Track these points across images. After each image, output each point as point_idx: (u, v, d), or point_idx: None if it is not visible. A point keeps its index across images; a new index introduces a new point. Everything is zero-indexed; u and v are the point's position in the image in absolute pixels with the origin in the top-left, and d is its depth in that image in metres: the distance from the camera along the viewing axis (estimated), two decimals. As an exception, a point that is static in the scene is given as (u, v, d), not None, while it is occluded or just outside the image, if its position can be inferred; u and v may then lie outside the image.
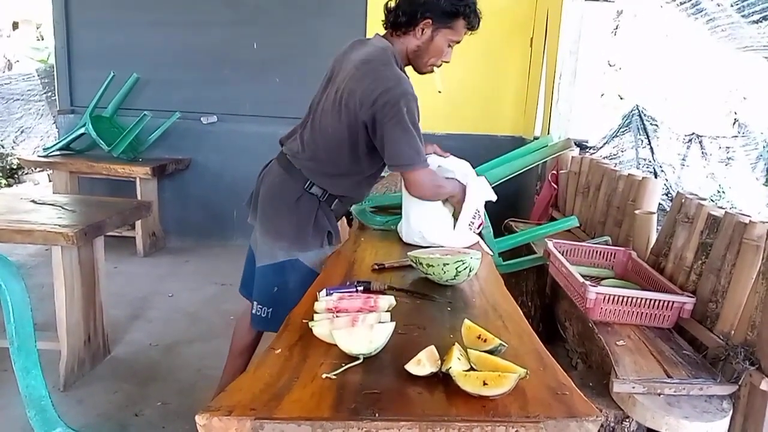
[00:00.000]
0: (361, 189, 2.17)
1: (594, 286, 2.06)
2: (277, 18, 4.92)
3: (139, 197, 4.62)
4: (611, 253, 2.56)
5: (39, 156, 4.98)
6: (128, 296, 3.74)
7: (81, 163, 4.66)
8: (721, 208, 2.19)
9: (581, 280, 2.13)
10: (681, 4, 4.70)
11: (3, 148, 7.10)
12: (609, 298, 2.06)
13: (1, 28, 10.11)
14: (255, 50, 4.99)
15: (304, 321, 1.37)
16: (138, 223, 4.56)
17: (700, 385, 1.74)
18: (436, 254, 1.81)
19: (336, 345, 1.22)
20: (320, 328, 1.29)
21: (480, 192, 2.14)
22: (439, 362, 1.16)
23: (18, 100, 7.36)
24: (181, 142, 5.10)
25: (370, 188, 2.28)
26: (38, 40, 10.01)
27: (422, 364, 1.14)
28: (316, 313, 1.40)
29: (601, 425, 1.69)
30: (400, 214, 2.24)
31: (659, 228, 2.52)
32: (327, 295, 1.50)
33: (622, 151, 5.22)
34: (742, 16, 4.16)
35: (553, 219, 3.70)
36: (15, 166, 7.09)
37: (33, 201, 2.86)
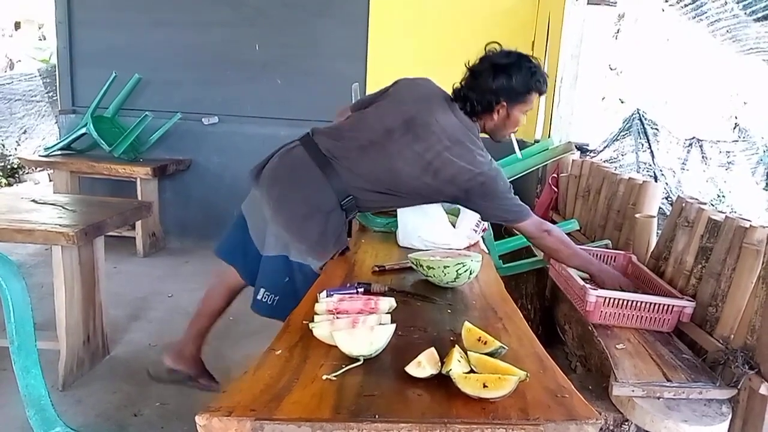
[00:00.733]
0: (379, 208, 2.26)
1: (594, 289, 2.06)
2: (278, 19, 4.92)
3: (139, 197, 4.61)
4: (611, 257, 2.56)
5: (40, 156, 4.98)
6: (128, 296, 3.74)
7: (82, 163, 4.66)
8: (721, 212, 2.19)
9: (581, 283, 2.14)
10: (683, 7, 4.70)
11: (3, 147, 7.10)
12: (609, 302, 2.06)
13: (3, 28, 10.12)
14: (256, 51, 4.99)
15: (304, 322, 1.37)
16: (138, 224, 4.55)
17: (699, 389, 1.74)
18: (437, 256, 1.82)
19: (336, 346, 1.22)
20: (320, 329, 1.29)
21: None
22: (440, 364, 1.16)
23: (19, 100, 7.36)
24: (182, 143, 5.10)
25: None
26: (40, 39, 10.02)
27: (422, 366, 1.14)
28: (317, 314, 1.40)
29: (601, 428, 1.70)
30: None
31: (659, 232, 2.52)
32: (327, 296, 1.50)
33: (623, 155, 5.22)
34: (747, 14, 4.14)
35: (553, 222, 3.70)
36: (16, 166, 7.09)
37: (34, 200, 2.86)
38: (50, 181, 6.54)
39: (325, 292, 1.54)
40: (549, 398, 1.11)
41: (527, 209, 2.00)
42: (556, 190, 3.80)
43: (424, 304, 1.62)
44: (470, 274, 1.74)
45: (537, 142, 4.18)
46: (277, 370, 1.16)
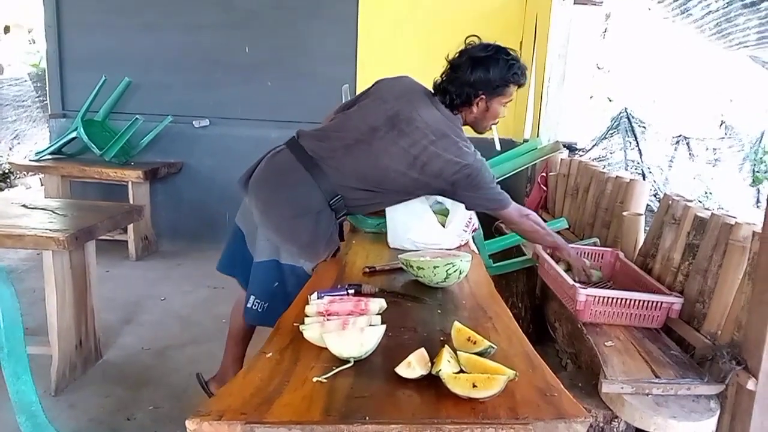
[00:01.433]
0: (367, 209, 2.24)
1: (584, 288, 2.08)
2: (268, 21, 4.92)
3: (131, 201, 4.60)
4: (599, 254, 2.58)
5: (30, 160, 4.95)
6: (120, 300, 3.73)
7: (73, 167, 4.64)
8: (707, 209, 2.21)
9: (571, 282, 2.15)
10: (669, 4, 4.73)
11: (-6, 152, 7.07)
12: (599, 300, 2.08)
13: (-8, 32, 10.03)
14: (246, 53, 4.99)
15: (294, 324, 1.38)
16: (130, 227, 4.54)
17: (687, 385, 1.76)
18: (427, 257, 1.82)
19: (327, 348, 1.23)
20: (311, 331, 1.30)
21: None
22: (429, 365, 1.17)
23: (9, 104, 7.31)
24: (173, 146, 5.08)
25: None
26: (30, 43, 9.95)
27: (412, 366, 1.15)
28: (307, 316, 1.41)
29: (590, 426, 1.71)
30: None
31: (647, 229, 2.55)
32: (318, 298, 1.51)
33: (611, 153, 5.26)
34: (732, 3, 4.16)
35: (542, 221, 3.72)
36: (7, 171, 7.05)
37: (24, 205, 2.85)
38: (41, 185, 6.50)
39: (315, 294, 1.54)
40: (538, 397, 1.12)
41: (508, 197, 2.06)
42: (545, 189, 3.82)
43: (415, 305, 1.63)
44: (460, 274, 1.75)
45: (526, 141, 4.20)
46: (267, 373, 1.17)
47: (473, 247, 2.27)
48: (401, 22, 4.75)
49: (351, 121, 2.06)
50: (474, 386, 1.09)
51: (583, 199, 3.21)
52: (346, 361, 1.21)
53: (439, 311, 1.60)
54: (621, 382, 1.75)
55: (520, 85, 2.07)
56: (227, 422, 0.99)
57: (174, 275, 4.38)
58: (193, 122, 5.05)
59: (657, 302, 2.07)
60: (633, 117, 5.25)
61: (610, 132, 5.26)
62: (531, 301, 3.28)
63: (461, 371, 1.18)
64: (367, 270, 1.91)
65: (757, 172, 6.57)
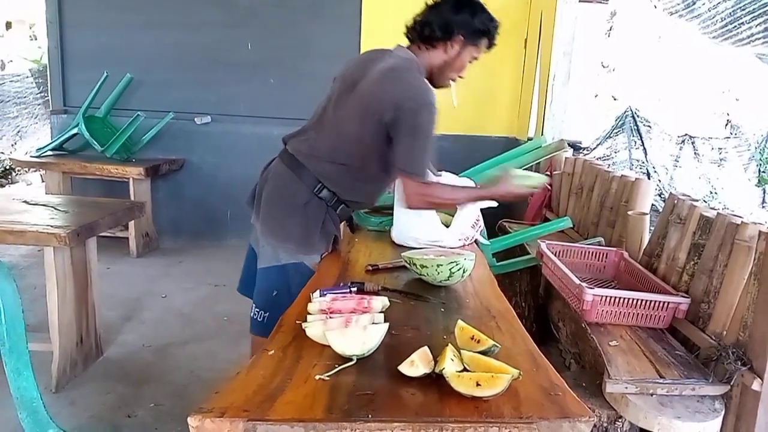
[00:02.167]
0: (377, 195, 2.16)
1: (590, 288, 2.06)
2: (270, 19, 4.91)
3: (132, 198, 4.60)
4: (603, 254, 2.57)
5: (31, 156, 4.96)
6: (121, 297, 3.72)
7: (74, 164, 4.64)
8: (713, 209, 2.20)
9: (577, 281, 2.14)
10: (674, 5, 4.72)
11: (-5, 147, 7.07)
12: (606, 300, 2.06)
13: (-6, 28, 10.04)
14: (249, 51, 4.98)
15: (297, 322, 1.37)
16: (131, 224, 4.54)
17: (692, 386, 1.75)
18: (430, 255, 1.81)
19: (329, 346, 1.22)
20: (313, 329, 1.29)
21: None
22: (433, 363, 1.16)
23: (10, 100, 7.31)
24: (174, 143, 5.08)
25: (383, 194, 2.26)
26: (31, 40, 9.96)
27: (415, 365, 1.14)
28: (310, 314, 1.40)
29: (594, 425, 1.70)
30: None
31: (652, 229, 2.53)
32: (320, 296, 1.50)
33: (616, 152, 5.24)
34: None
35: (546, 220, 3.71)
36: (8, 167, 7.05)
37: (25, 201, 2.85)
38: (42, 181, 6.50)
39: (318, 291, 1.53)
40: (542, 396, 1.11)
41: (428, 172, 1.95)
42: (549, 187, 3.81)
43: (418, 303, 1.62)
44: (463, 272, 1.74)
45: (530, 139, 4.19)
46: (270, 371, 1.16)
47: (476, 245, 2.26)
48: (404, 20, 4.73)
49: (320, 105, 2.07)
50: (477, 385, 1.07)
51: (588, 198, 3.20)
52: (349, 359, 1.20)
53: (442, 310, 1.58)
54: (625, 382, 1.74)
55: (491, 45, 2.03)
56: (229, 419, 0.98)
57: (175, 272, 4.38)
58: (195, 119, 5.05)
59: (664, 302, 2.05)
60: (638, 116, 5.23)
61: (615, 131, 5.24)
62: (535, 300, 3.27)
63: (465, 370, 1.17)
64: (370, 268, 1.90)
65: (763, 172, 6.54)
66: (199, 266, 4.51)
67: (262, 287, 2.05)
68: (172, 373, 2.83)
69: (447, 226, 2.24)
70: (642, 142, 5.17)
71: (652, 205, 2.80)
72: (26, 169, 7.08)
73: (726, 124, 7.53)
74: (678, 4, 4.61)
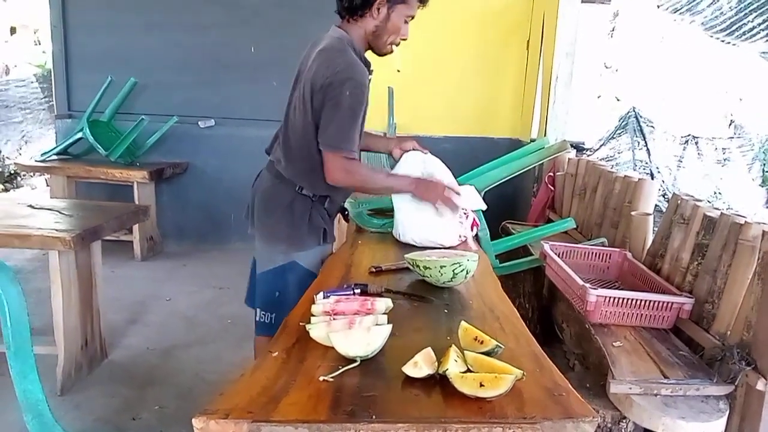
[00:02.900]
0: (338, 188, 2.06)
1: (594, 288, 2.06)
2: (274, 21, 4.92)
3: (136, 201, 4.61)
4: (607, 255, 2.56)
5: (36, 161, 4.98)
6: (126, 300, 3.73)
7: (78, 168, 4.66)
8: (716, 209, 2.19)
9: (581, 282, 2.13)
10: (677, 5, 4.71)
11: (0, 152, 7.09)
12: (610, 301, 2.06)
13: (-1, 33, 10.09)
14: (252, 53, 5.00)
15: (301, 324, 1.37)
16: (135, 228, 4.55)
17: (696, 386, 1.75)
18: (433, 257, 1.81)
19: (333, 348, 1.22)
20: (317, 330, 1.29)
21: (466, 199, 2.16)
22: (436, 364, 1.16)
23: (14, 106, 7.34)
24: (178, 146, 5.10)
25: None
26: (36, 44, 10.00)
27: (419, 366, 1.14)
28: (313, 315, 1.40)
29: (598, 426, 1.70)
30: (397, 216, 2.25)
31: (656, 229, 2.53)
32: (324, 297, 1.50)
33: (619, 153, 5.23)
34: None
35: (550, 221, 3.70)
36: (13, 171, 7.08)
37: (30, 206, 2.86)
38: (47, 186, 6.52)
39: (321, 293, 1.54)
40: (546, 397, 1.11)
41: (354, 152, 1.91)
42: (552, 188, 3.81)
43: (421, 305, 1.62)
44: (467, 273, 1.74)
45: (533, 140, 4.18)
46: (274, 372, 1.16)
47: (472, 245, 2.24)
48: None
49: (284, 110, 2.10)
50: (481, 385, 1.08)
51: (591, 199, 3.19)
52: (353, 361, 1.20)
53: (445, 311, 1.59)
54: (629, 382, 1.73)
55: (422, 2, 1.99)
56: (234, 421, 0.98)
57: (179, 276, 4.39)
58: (199, 122, 5.06)
59: (668, 303, 2.05)
60: (641, 116, 5.23)
61: (618, 132, 5.23)
62: (538, 301, 3.26)
63: (468, 371, 1.17)
64: (374, 270, 1.90)
65: (767, 172, 6.53)
66: (203, 269, 4.52)
67: (263, 290, 2.06)
68: (176, 375, 2.84)
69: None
70: (645, 142, 5.17)
71: (656, 205, 2.80)
72: (31, 174, 7.09)
73: (729, 124, 7.51)
74: (680, 0, 4.60)
